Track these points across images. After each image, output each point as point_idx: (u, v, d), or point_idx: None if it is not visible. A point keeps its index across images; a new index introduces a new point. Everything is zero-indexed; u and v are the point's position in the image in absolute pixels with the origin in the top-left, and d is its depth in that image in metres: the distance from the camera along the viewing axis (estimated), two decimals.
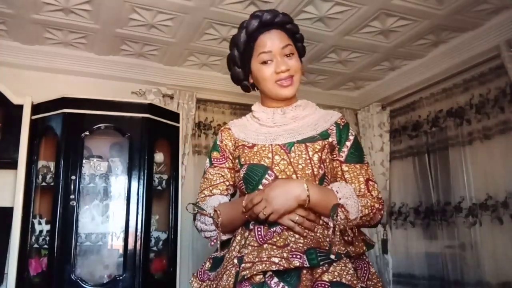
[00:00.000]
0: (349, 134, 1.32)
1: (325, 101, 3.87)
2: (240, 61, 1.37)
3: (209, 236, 1.30)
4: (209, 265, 1.29)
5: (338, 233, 1.11)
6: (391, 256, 3.60)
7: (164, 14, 2.61)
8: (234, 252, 1.19)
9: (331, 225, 1.13)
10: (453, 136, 3.12)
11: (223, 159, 1.36)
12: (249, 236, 1.18)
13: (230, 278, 1.13)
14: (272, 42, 1.29)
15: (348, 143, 1.30)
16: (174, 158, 2.96)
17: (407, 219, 3.53)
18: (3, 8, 2.52)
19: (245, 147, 1.30)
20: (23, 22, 2.68)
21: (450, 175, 3.14)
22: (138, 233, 2.57)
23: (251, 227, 1.20)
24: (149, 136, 2.74)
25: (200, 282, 1.26)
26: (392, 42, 3.00)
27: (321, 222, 1.18)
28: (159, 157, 2.89)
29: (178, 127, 3.00)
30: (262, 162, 1.24)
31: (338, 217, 1.12)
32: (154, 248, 2.74)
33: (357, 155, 1.31)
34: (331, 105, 3.90)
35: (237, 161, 1.31)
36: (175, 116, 3.01)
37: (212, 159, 1.37)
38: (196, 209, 1.30)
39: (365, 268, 1.21)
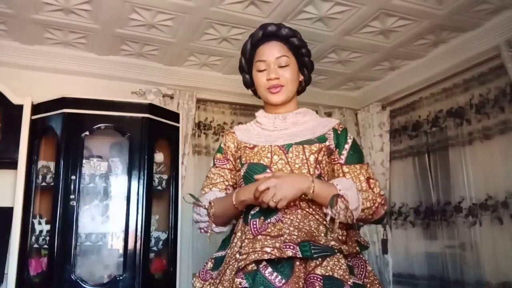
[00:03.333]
0: (347, 137, 1.40)
1: (325, 101, 3.88)
2: (247, 68, 1.48)
3: (203, 227, 1.39)
4: (211, 265, 1.34)
5: (337, 222, 1.17)
6: (391, 256, 3.60)
7: (164, 14, 2.61)
8: (236, 248, 1.25)
9: (329, 213, 1.19)
10: (453, 136, 3.12)
11: (225, 160, 1.46)
12: (246, 230, 1.25)
13: (233, 273, 1.19)
14: (269, 52, 1.38)
15: (347, 146, 1.37)
16: (174, 158, 2.96)
17: (407, 219, 3.52)
18: (3, 8, 2.52)
19: (247, 148, 1.39)
20: (23, 22, 2.68)
21: (450, 175, 3.14)
22: (138, 233, 2.57)
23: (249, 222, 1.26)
24: (149, 136, 2.74)
25: (202, 282, 1.31)
26: (392, 42, 3.00)
27: (316, 217, 1.24)
28: (159, 157, 2.89)
29: (178, 127, 3.00)
30: (262, 161, 1.33)
31: (338, 206, 1.18)
32: (154, 248, 2.74)
33: (356, 156, 1.38)
34: (331, 105, 3.92)
35: (238, 161, 1.40)
36: (175, 116, 3.01)
37: (216, 160, 1.48)
38: (193, 199, 1.38)
39: (362, 266, 1.27)
